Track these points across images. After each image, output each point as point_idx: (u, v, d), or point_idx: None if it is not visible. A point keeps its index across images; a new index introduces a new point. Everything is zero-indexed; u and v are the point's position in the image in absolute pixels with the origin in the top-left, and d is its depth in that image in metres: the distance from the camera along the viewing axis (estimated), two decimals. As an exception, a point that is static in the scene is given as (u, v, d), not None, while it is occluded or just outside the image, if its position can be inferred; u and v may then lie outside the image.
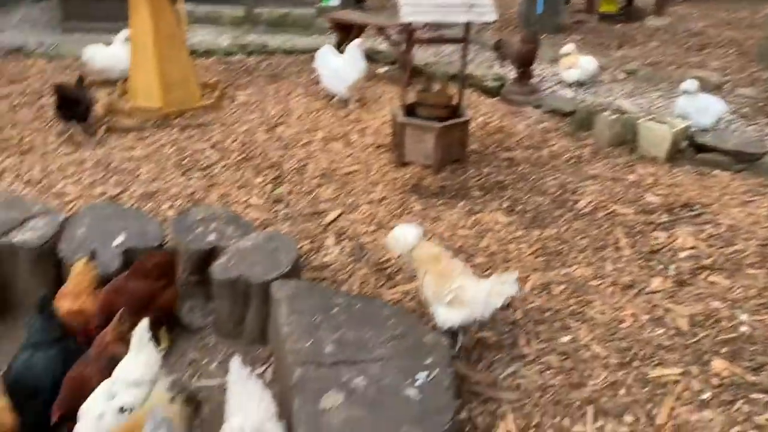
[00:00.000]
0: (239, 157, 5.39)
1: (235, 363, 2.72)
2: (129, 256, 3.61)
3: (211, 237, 3.73)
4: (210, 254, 3.64)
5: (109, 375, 2.86)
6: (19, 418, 2.73)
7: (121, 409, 2.67)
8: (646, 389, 3.06)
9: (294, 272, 3.51)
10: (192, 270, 3.71)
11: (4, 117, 6.01)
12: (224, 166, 5.25)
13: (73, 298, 3.22)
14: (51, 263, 3.59)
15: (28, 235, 3.60)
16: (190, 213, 3.97)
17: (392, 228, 3.51)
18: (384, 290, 3.79)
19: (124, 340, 3.05)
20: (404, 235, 3.38)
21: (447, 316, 3.14)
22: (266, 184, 4.98)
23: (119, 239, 3.67)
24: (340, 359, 2.78)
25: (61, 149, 5.44)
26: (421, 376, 2.65)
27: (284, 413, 2.64)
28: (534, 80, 7.06)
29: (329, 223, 4.47)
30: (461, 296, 3.10)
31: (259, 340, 3.45)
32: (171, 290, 3.46)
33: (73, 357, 3.02)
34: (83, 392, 2.80)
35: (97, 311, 3.17)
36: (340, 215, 4.56)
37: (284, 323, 3.01)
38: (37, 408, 2.80)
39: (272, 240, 3.69)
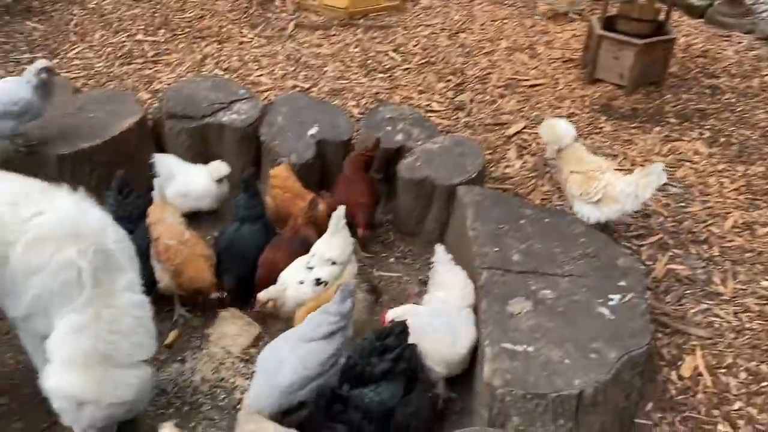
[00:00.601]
0: (421, 61, 5.34)
1: (440, 248, 2.81)
2: (321, 147, 3.76)
3: (399, 137, 3.78)
4: (397, 153, 3.70)
5: (298, 255, 3.07)
6: (223, 278, 3.04)
7: (317, 281, 2.88)
8: None
9: (479, 179, 3.50)
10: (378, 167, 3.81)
11: (205, 5, 6.35)
12: (406, 69, 5.23)
13: (302, 200, 3.37)
14: (253, 145, 3.84)
15: (234, 117, 3.85)
16: (379, 111, 4.03)
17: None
18: (566, 208, 3.68)
19: (314, 224, 3.25)
20: (559, 129, 3.31)
21: (592, 213, 3.15)
22: (448, 90, 4.92)
23: (313, 130, 3.82)
24: (528, 269, 2.77)
25: (255, 41, 5.69)
26: (615, 298, 2.57)
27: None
28: (748, 1, 6.26)
29: (511, 136, 4.36)
30: (610, 192, 3.08)
31: (437, 241, 3.50)
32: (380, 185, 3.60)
33: (273, 231, 3.30)
34: (275, 271, 3.03)
35: (335, 200, 3.32)
36: (523, 128, 4.43)
37: (470, 227, 3.03)
38: (244, 271, 3.09)
39: (459, 145, 3.67)
